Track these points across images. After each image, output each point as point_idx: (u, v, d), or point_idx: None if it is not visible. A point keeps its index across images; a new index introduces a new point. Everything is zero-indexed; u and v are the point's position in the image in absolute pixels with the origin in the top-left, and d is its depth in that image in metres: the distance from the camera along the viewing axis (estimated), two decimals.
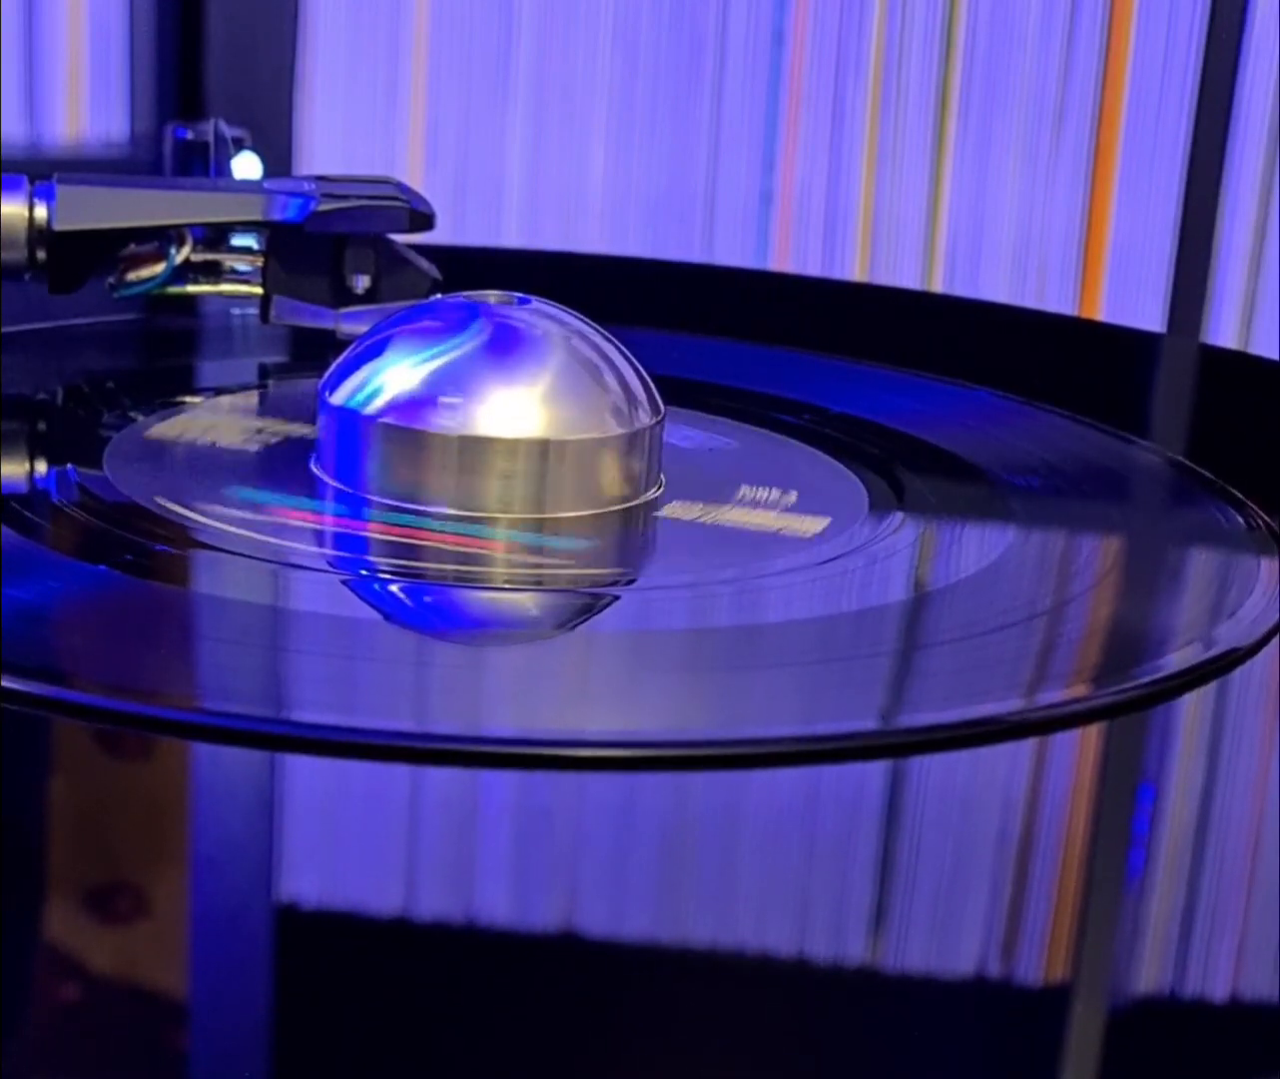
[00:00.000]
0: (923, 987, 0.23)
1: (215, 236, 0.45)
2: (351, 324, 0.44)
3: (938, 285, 0.84)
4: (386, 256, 0.45)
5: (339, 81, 0.82)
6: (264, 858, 0.25)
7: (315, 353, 0.43)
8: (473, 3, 0.82)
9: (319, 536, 0.36)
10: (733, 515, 0.37)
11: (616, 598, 0.34)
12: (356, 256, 0.44)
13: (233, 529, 0.35)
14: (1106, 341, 0.64)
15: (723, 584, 0.34)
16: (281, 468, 0.38)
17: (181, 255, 0.44)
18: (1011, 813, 0.27)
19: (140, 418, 0.42)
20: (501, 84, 0.83)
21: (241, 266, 0.45)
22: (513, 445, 0.36)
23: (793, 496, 0.39)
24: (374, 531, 0.35)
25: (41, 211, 0.43)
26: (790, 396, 0.47)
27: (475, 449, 0.36)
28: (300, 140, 0.81)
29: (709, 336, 0.54)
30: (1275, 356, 0.78)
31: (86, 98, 0.78)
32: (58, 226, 0.43)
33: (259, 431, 0.41)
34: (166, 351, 0.51)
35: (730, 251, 0.84)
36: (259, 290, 0.45)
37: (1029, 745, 0.29)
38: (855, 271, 0.84)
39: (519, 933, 0.23)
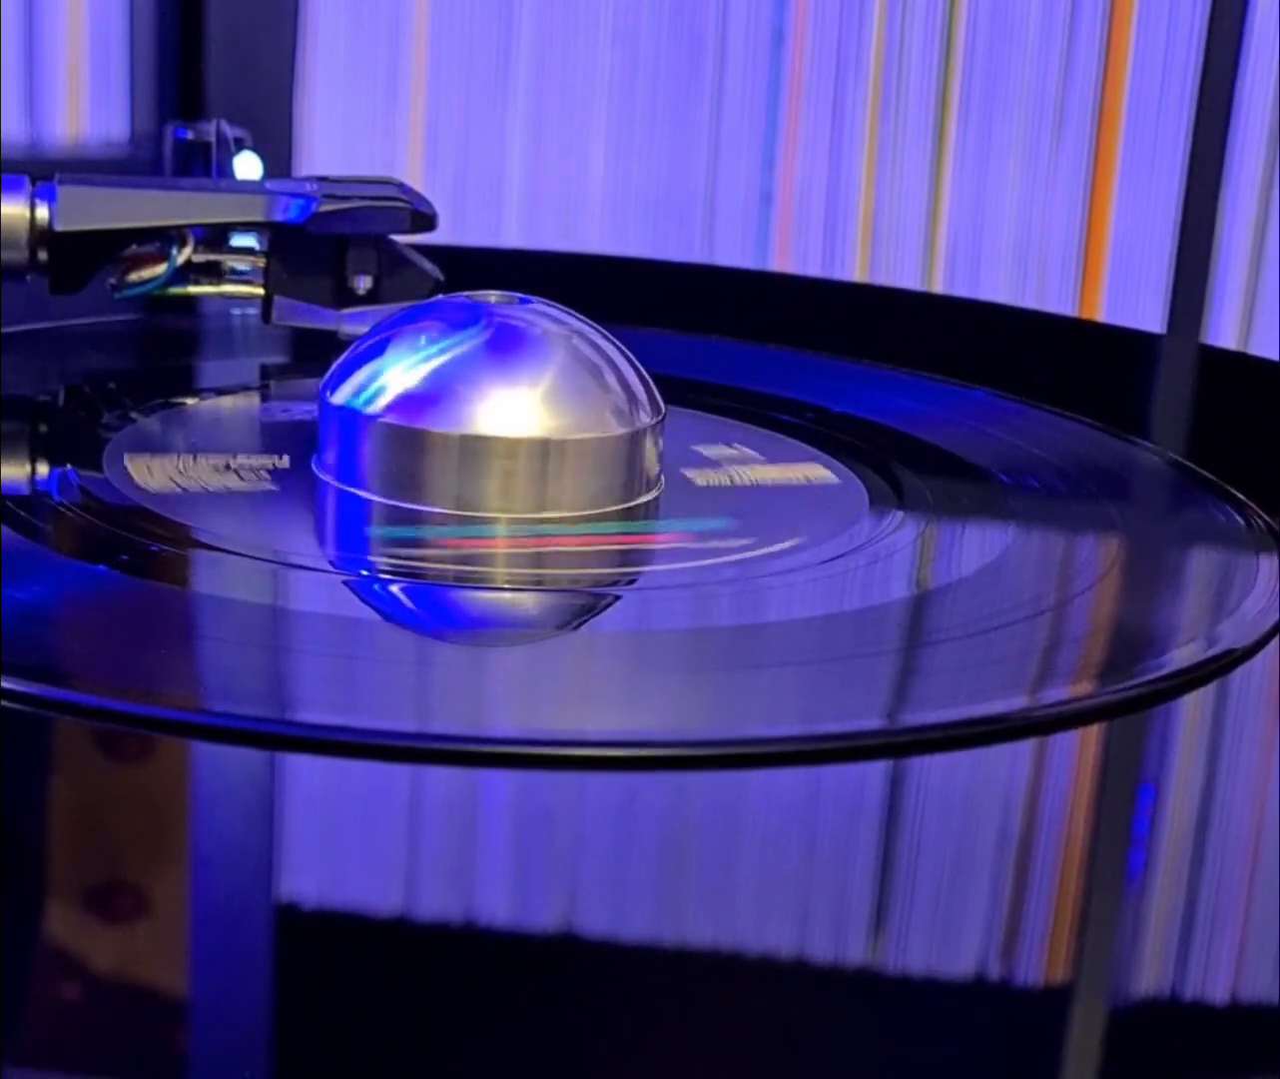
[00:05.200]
0: (923, 986, 0.23)
1: (216, 237, 0.45)
2: (354, 325, 0.44)
3: (938, 285, 0.84)
4: (388, 257, 0.45)
5: (339, 81, 0.82)
6: (264, 858, 0.25)
7: (317, 353, 0.43)
8: (473, 3, 0.82)
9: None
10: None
11: (617, 598, 0.34)
12: (358, 257, 0.44)
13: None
14: (1106, 341, 0.64)
15: (723, 584, 0.34)
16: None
17: (183, 256, 0.44)
18: (1012, 812, 0.27)
19: (141, 418, 0.42)
20: (501, 84, 0.83)
21: (243, 267, 0.45)
22: (513, 445, 0.36)
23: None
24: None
25: (43, 212, 0.43)
26: (790, 396, 0.47)
27: (476, 448, 0.36)
28: (300, 140, 0.81)
29: (709, 336, 0.54)
30: (1275, 356, 0.78)
31: (86, 98, 0.78)
32: (59, 227, 0.43)
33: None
34: (167, 352, 0.51)
35: (730, 251, 0.84)
36: (260, 291, 0.45)
37: (1029, 745, 0.29)
38: (855, 271, 0.84)
39: (519, 933, 0.23)
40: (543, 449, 0.36)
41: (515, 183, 0.84)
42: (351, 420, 0.37)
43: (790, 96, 0.83)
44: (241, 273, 0.45)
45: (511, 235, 0.84)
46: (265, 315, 0.45)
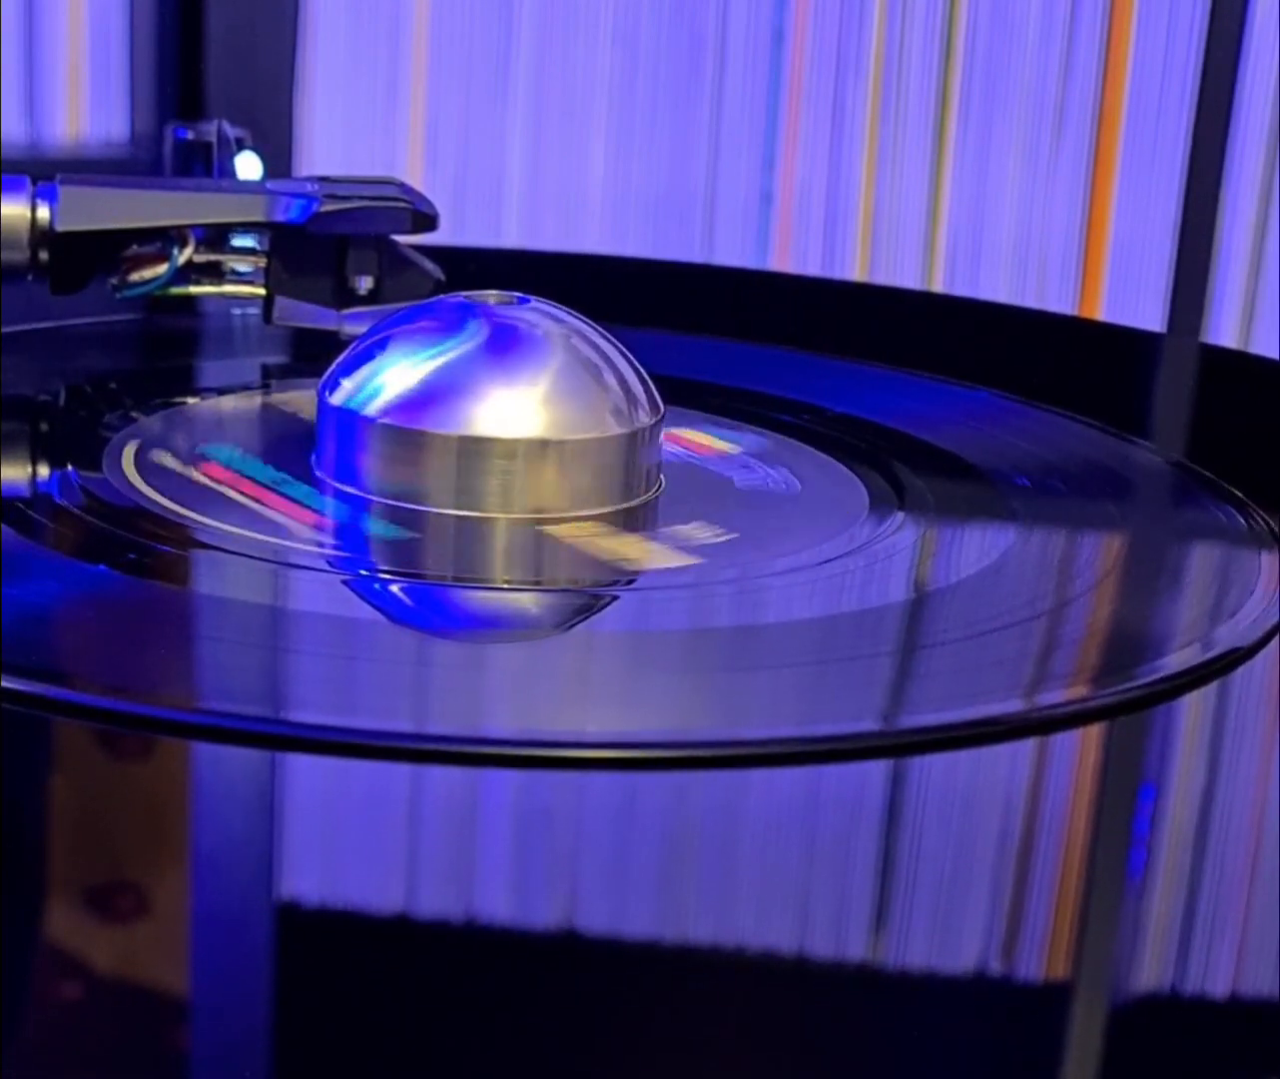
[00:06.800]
0: (923, 986, 0.23)
1: (217, 237, 0.45)
2: (354, 325, 0.44)
3: (938, 285, 0.84)
4: (389, 257, 0.45)
5: (339, 81, 0.82)
6: (264, 858, 0.25)
7: (317, 353, 0.43)
8: (473, 3, 0.82)
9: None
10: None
11: (616, 598, 0.34)
12: (359, 257, 0.44)
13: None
14: (1106, 341, 0.64)
15: (723, 584, 0.34)
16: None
17: (184, 256, 0.44)
18: (1012, 813, 0.27)
19: (141, 418, 0.42)
20: (501, 84, 0.83)
21: (243, 267, 0.45)
22: (512, 445, 0.36)
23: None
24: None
25: (44, 212, 0.43)
26: (790, 396, 0.47)
27: (475, 449, 0.36)
28: (300, 140, 0.81)
29: (709, 336, 0.54)
30: (1275, 356, 0.78)
31: (86, 98, 0.78)
32: (60, 227, 0.43)
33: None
34: (168, 352, 0.51)
35: (730, 251, 0.84)
36: (261, 291, 0.45)
37: (1029, 746, 0.29)
38: (855, 271, 0.84)
39: (519, 933, 0.23)
40: (542, 449, 0.36)
41: (515, 183, 0.84)
42: (350, 421, 0.37)
43: (790, 96, 0.83)
44: (242, 273, 0.45)
45: (511, 235, 0.84)
46: (266, 315, 0.45)
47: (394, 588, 0.34)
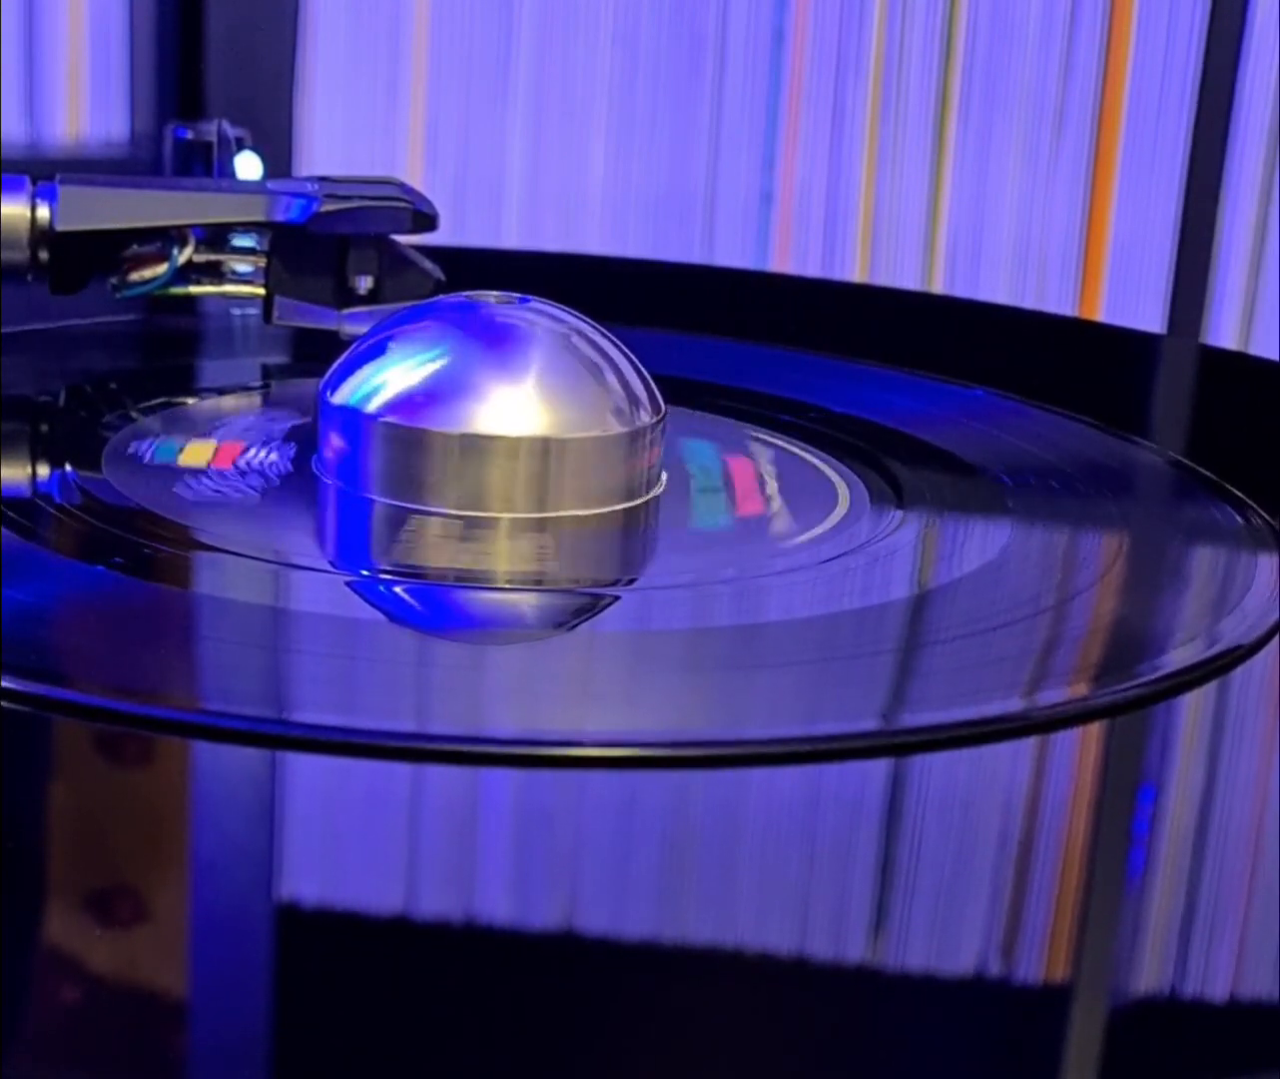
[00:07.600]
0: (923, 986, 0.23)
1: (217, 237, 0.45)
2: (354, 325, 0.44)
3: (938, 285, 0.84)
4: (389, 257, 0.45)
5: (339, 81, 0.82)
6: (264, 859, 0.25)
7: (317, 353, 0.43)
8: (473, 3, 0.82)
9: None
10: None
11: (617, 598, 0.34)
12: (359, 257, 0.44)
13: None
14: (1106, 341, 0.64)
15: (723, 584, 0.34)
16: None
17: (184, 256, 0.44)
18: (1012, 812, 0.27)
19: (141, 418, 0.42)
20: (501, 84, 0.83)
21: (243, 267, 0.45)
22: (514, 444, 0.36)
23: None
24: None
25: (44, 212, 0.43)
26: (790, 396, 0.47)
27: (476, 448, 0.36)
28: (300, 140, 0.81)
29: (709, 336, 0.54)
30: (1275, 356, 0.78)
31: (86, 98, 0.78)
32: (60, 227, 0.43)
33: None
34: (168, 352, 0.51)
35: (730, 251, 0.84)
36: (261, 291, 0.45)
37: (1030, 744, 0.29)
38: (855, 272, 0.84)
39: (519, 933, 0.23)
40: (543, 448, 0.36)
41: (515, 183, 0.84)
42: (352, 420, 0.37)
43: (790, 96, 0.83)
44: (242, 273, 0.45)
45: (511, 235, 0.84)
46: (266, 315, 0.45)
47: (396, 588, 0.34)
